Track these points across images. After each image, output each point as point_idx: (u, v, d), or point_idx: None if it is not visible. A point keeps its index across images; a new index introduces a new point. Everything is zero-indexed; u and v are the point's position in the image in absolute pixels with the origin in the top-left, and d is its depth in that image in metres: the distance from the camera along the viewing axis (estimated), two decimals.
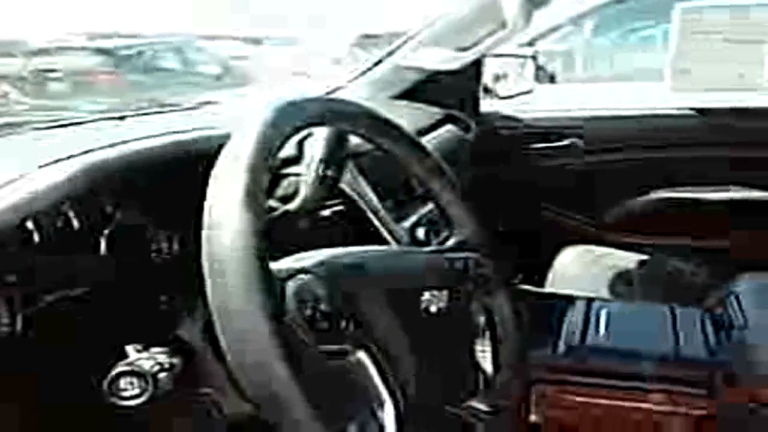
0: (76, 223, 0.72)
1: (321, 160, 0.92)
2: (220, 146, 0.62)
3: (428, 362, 0.69)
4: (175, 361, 0.69)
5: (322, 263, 0.64)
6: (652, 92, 1.93)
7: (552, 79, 3.37)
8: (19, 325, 0.65)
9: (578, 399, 1.14)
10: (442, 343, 0.73)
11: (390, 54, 1.56)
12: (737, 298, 1.20)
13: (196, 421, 0.75)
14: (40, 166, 0.73)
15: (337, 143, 0.92)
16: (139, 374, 0.65)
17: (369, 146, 0.83)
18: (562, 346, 1.19)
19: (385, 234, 1.01)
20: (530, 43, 2.37)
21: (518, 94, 1.83)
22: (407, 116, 1.36)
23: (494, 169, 1.86)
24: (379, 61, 1.57)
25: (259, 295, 0.53)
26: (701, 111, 1.82)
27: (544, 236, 1.94)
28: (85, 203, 0.73)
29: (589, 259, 1.72)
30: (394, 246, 0.98)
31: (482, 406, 0.80)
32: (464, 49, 1.44)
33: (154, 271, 0.81)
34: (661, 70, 1.85)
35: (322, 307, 0.60)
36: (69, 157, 0.76)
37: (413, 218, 1.11)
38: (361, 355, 0.63)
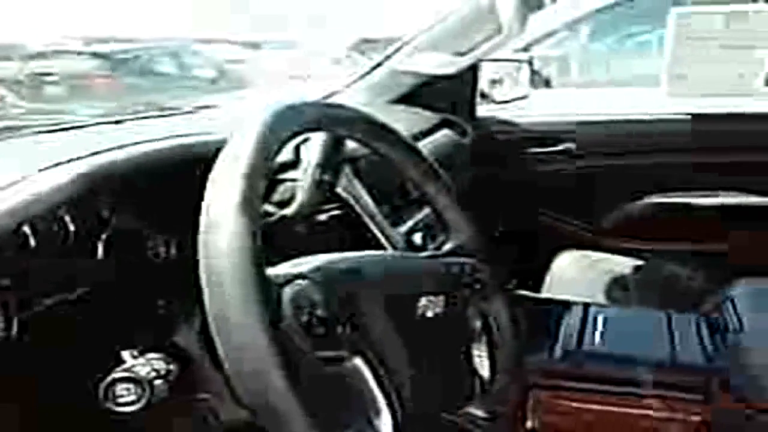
0: (72, 228, 0.71)
1: (317, 165, 0.92)
2: (218, 150, 0.61)
3: (425, 368, 0.69)
4: (171, 367, 0.68)
5: (318, 269, 0.64)
6: (648, 97, 1.93)
7: (548, 83, 3.38)
8: (14, 330, 0.65)
9: (575, 404, 1.14)
10: (438, 348, 0.73)
11: (387, 58, 1.56)
12: (733, 302, 1.20)
13: (192, 427, 0.74)
14: (38, 171, 0.73)
15: (334, 148, 0.92)
16: (136, 381, 0.65)
17: (365, 151, 0.83)
18: (558, 352, 1.19)
19: (382, 239, 1.01)
20: (526, 49, 2.37)
21: (514, 99, 1.83)
22: (404, 121, 1.36)
23: (490, 173, 1.86)
24: (377, 66, 1.57)
25: (256, 303, 0.53)
26: (697, 116, 1.82)
27: (541, 241, 1.95)
28: (82, 207, 0.73)
29: (586, 264, 1.72)
30: (390, 251, 0.98)
31: (479, 412, 0.80)
32: (461, 54, 1.44)
33: (151, 276, 0.81)
34: (656, 76, 1.85)
35: (319, 312, 0.60)
36: (66, 162, 0.76)
37: (409, 223, 1.11)
38: (358, 361, 0.63)
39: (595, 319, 1.27)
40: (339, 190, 0.99)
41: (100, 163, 0.78)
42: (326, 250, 0.71)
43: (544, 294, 1.62)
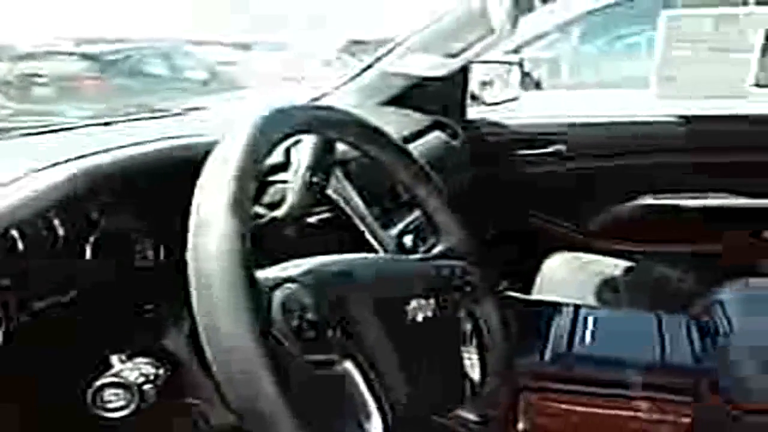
0: (61, 231, 0.71)
1: (308, 167, 0.92)
2: (207, 152, 0.61)
3: (415, 371, 0.69)
4: (160, 372, 0.68)
5: (308, 272, 0.64)
6: (637, 99, 1.94)
7: (538, 85, 3.39)
8: (2, 334, 0.64)
9: (565, 406, 1.14)
10: (429, 351, 0.73)
11: (377, 60, 1.56)
12: (723, 304, 1.20)
13: None
14: (26, 173, 0.72)
15: (324, 150, 0.91)
16: (124, 386, 0.64)
17: (356, 153, 0.82)
18: (549, 354, 1.19)
19: (372, 241, 1.01)
20: (516, 50, 2.37)
21: (504, 101, 1.84)
22: (394, 123, 1.36)
23: (481, 175, 1.86)
24: (367, 68, 1.57)
25: (245, 307, 0.53)
26: (687, 118, 1.83)
27: (531, 243, 1.95)
28: (70, 210, 0.72)
29: (576, 266, 1.72)
30: (381, 254, 0.98)
31: (470, 416, 0.80)
32: (451, 56, 1.44)
33: (140, 279, 0.80)
34: (646, 78, 1.86)
35: (309, 316, 0.59)
36: (54, 164, 0.75)
37: (400, 225, 1.10)
38: (348, 364, 0.63)
39: (585, 321, 1.28)
40: (330, 192, 0.99)
41: (89, 166, 0.77)
42: (317, 252, 0.71)
43: (535, 296, 1.62)
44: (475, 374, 0.82)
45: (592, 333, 1.24)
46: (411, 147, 1.32)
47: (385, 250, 1.01)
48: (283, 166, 0.95)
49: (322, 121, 0.75)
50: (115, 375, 0.65)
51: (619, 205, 1.92)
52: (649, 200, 1.90)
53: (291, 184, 0.93)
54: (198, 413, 0.72)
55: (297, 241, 0.99)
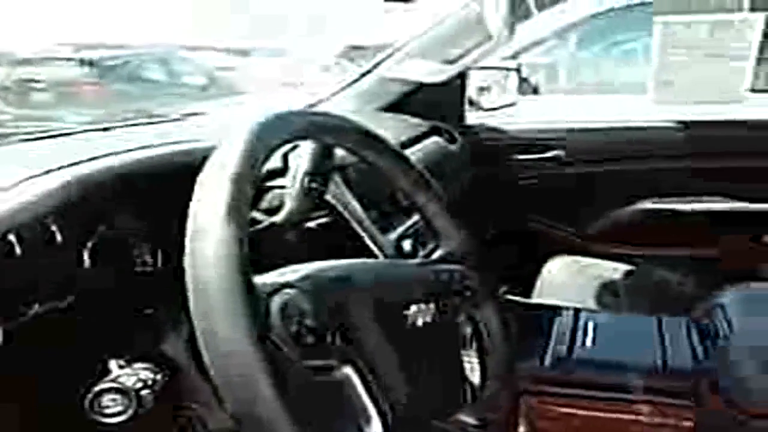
0: (59, 236, 0.71)
1: (306, 173, 0.91)
2: (205, 158, 0.61)
3: (415, 376, 0.69)
4: (158, 377, 0.68)
5: (306, 277, 0.64)
6: (635, 104, 1.94)
7: (536, 91, 3.40)
8: (0, 339, 0.64)
9: (566, 410, 1.14)
10: (429, 356, 0.73)
11: (376, 66, 1.56)
12: (723, 308, 1.20)
13: None
14: (24, 179, 0.72)
15: (323, 156, 0.91)
16: (122, 391, 0.64)
17: (354, 158, 0.82)
18: (549, 358, 1.19)
19: (371, 246, 1.01)
20: (514, 56, 2.38)
21: (502, 107, 1.84)
22: (393, 128, 1.36)
23: (479, 180, 1.86)
24: (366, 73, 1.57)
25: (243, 313, 0.53)
26: (684, 123, 1.84)
27: (530, 247, 1.95)
28: (68, 215, 0.72)
29: (576, 270, 1.72)
30: (380, 258, 0.98)
31: (470, 420, 0.80)
32: (449, 62, 1.44)
33: (138, 285, 0.80)
34: (642, 83, 1.87)
35: (308, 322, 0.59)
36: (53, 170, 0.75)
37: (399, 230, 1.10)
38: (348, 370, 0.62)
39: (585, 325, 1.28)
40: (328, 197, 0.99)
41: (87, 171, 0.77)
42: (315, 258, 0.71)
43: (535, 300, 1.62)
44: (475, 378, 0.82)
45: (593, 337, 1.24)
46: (409, 152, 1.33)
47: (385, 255, 1.00)
48: (282, 172, 0.95)
49: (320, 127, 0.75)
50: (112, 380, 0.65)
51: (619, 210, 1.92)
52: (648, 204, 1.90)
53: (289, 189, 0.93)
54: (196, 418, 0.72)
55: (295, 246, 0.99)
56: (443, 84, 1.48)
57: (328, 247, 0.88)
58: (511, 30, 1.34)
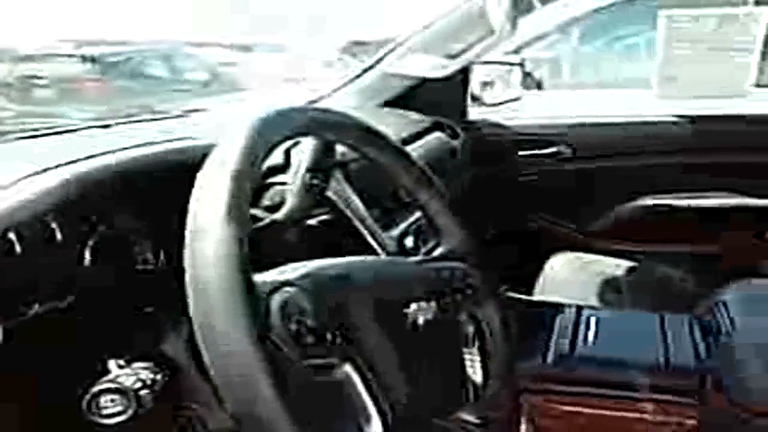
0: (59, 234, 0.70)
1: (308, 169, 0.91)
2: (206, 156, 0.61)
3: (416, 374, 0.68)
4: (158, 377, 0.67)
5: (307, 276, 0.63)
6: (638, 99, 1.93)
7: (539, 86, 3.38)
8: (0, 339, 0.64)
9: (568, 408, 1.14)
10: (430, 354, 0.72)
11: (378, 61, 1.55)
12: (726, 305, 1.20)
13: None
14: (24, 176, 0.72)
15: (324, 152, 0.91)
16: (121, 391, 0.63)
17: (356, 155, 0.82)
18: (551, 355, 1.19)
19: (373, 243, 1.01)
20: (517, 51, 2.37)
21: (505, 102, 1.83)
22: (395, 124, 1.36)
23: (482, 176, 1.86)
24: (368, 69, 1.56)
25: (243, 312, 0.52)
26: (688, 118, 1.83)
27: (532, 244, 1.94)
28: (69, 213, 0.72)
29: (578, 266, 1.72)
30: (381, 256, 0.97)
31: (472, 418, 0.80)
32: (452, 57, 1.44)
33: (139, 284, 0.80)
34: (646, 78, 1.86)
35: (308, 320, 0.59)
36: (53, 167, 0.75)
37: (401, 227, 1.10)
38: (348, 368, 0.62)
39: (587, 322, 1.27)
40: (329, 194, 0.98)
41: (88, 169, 0.77)
42: (316, 255, 0.70)
43: (537, 296, 1.61)
44: (476, 377, 0.82)
45: (595, 334, 1.24)
46: (411, 148, 1.32)
47: (386, 252, 1.00)
48: (283, 168, 0.95)
49: (321, 124, 0.75)
50: (112, 381, 0.64)
51: (622, 206, 1.92)
52: (651, 201, 1.90)
53: (290, 185, 0.92)
54: (196, 418, 0.71)
55: (296, 243, 0.99)
56: (446, 79, 1.48)
57: (329, 245, 0.87)
58: (514, 24, 1.34)
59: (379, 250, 1.00)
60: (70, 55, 7.91)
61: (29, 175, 0.73)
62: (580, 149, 1.87)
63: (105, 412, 0.63)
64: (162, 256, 0.81)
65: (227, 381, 0.53)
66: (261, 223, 0.92)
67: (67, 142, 1.01)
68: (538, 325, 1.26)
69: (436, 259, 0.82)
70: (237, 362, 0.52)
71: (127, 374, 0.65)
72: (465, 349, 0.81)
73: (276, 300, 0.58)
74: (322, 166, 0.92)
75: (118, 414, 0.63)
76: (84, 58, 7.75)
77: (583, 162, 1.88)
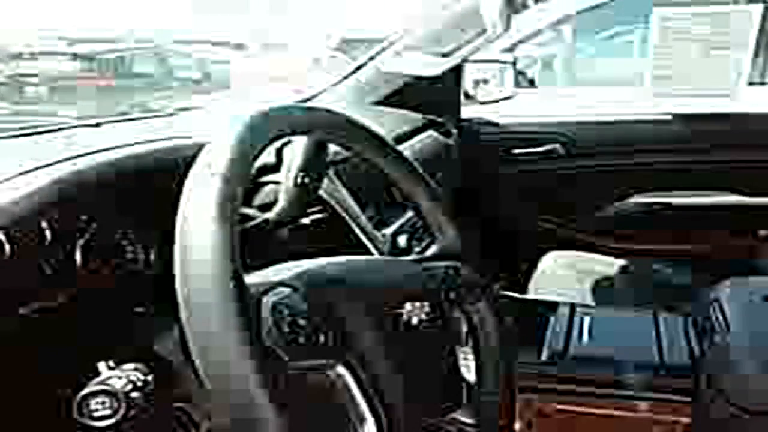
0: (50, 234, 0.70)
1: (300, 168, 0.90)
2: (195, 155, 0.60)
3: (410, 375, 0.68)
4: (149, 378, 0.67)
5: (300, 276, 0.63)
6: (632, 97, 1.93)
7: (532, 84, 3.38)
8: None
9: (562, 407, 1.14)
10: (424, 354, 0.72)
11: (371, 59, 1.55)
12: (720, 303, 1.20)
13: None
14: (13, 176, 0.71)
15: (316, 151, 0.90)
16: (111, 394, 0.63)
17: (348, 154, 0.81)
18: (545, 354, 1.18)
19: (366, 242, 1.00)
20: (510, 49, 2.37)
21: (498, 100, 1.83)
22: (388, 122, 1.35)
23: (475, 174, 1.85)
24: (360, 67, 1.56)
25: (234, 315, 0.52)
26: (682, 116, 1.83)
27: (527, 242, 1.94)
28: (59, 213, 0.71)
29: (572, 265, 1.72)
30: (374, 255, 0.97)
31: (467, 419, 0.79)
32: (445, 55, 1.43)
33: (131, 284, 0.79)
34: (640, 75, 1.86)
35: (300, 321, 0.58)
36: (44, 166, 0.74)
37: (394, 226, 1.09)
38: (341, 369, 0.62)
39: (581, 321, 1.27)
40: (322, 193, 0.97)
41: (79, 168, 0.76)
42: (309, 254, 0.70)
43: (531, 295, 1.61)
44: (471, 376, 0.81)
45: (589, 333, 1.23)
46: (405, 146, 1.32)
47: (380, 251, 0.99)
48: (275, 167, 0.94)
49: (313, 122, 0.74)
50: (101, 383, 0.64)
51: (615, 204, 1.92)
52: (645, 199, 1.90)
53: (283, 185, 0.92)
54: (189, 419, 0.71)
55: (289, 243, 0.98)
56: (439, 77, 1.47)
57: (322, 244, 0.87)
58: (507, 22, 1.33)
59: (373, 249, 1.00)
60: (62, 53, 7.90)
61: (19, 174, 0.72)
62: (574, 147, 1.87)
63: (95, 414, 0.62)
64: (154, 256, 0.81)
65: (219, 384, 0.52)
66: (253, 223, 0.91)
67: (58, 141, 1.00)
68: (531, 324, 1.26)
69: (429, 258, 0.81)
70: (228, 365, 0.51)
71: (118, 376, 0.64)
72: (459, 349, 0.81)
73: (268, 300, 0.58)
74: (314, 165, 0.91)
75: (108, 417, 0.62)
76: (75, 56, 7.72)
77: (576, 160, 1.88)
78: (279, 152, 0.94)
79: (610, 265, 1.72)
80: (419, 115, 1.59)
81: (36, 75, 7.36)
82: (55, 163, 0.75)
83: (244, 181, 0.59)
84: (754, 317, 1.15)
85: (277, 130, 0.66)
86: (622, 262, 1.73)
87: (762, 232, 1.82)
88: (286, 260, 0.67)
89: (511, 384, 0.85)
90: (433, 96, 1.63)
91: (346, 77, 1.56)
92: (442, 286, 0.77)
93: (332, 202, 0.99)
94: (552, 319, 1.28)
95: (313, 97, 1.53)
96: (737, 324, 1.13)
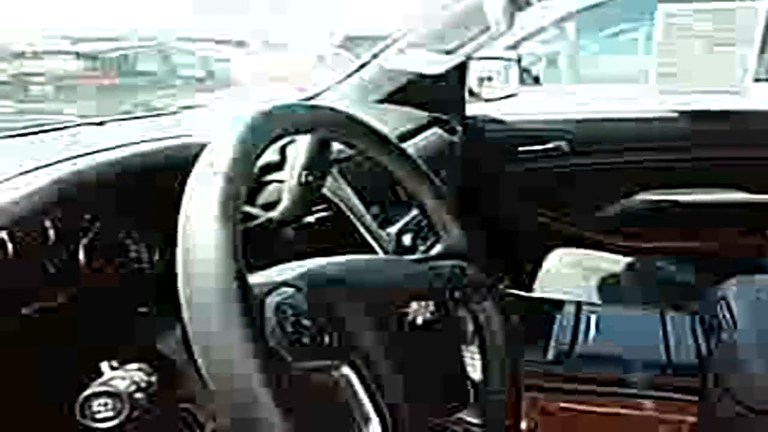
0: (53, 233, 0.69)
1: (304, 167, 0.90)
2: (198, 154, 0.59)
3: (416, 375, 0.67)
4: (152, 378, 0.66)
5: (303, 275, 0.62)
6: (637, 95, 1.93)
7: (537, 81, 3.37)
8: None
9: (568, 406, 1.13)
10: (429, 354, 0.71)
11: (375, 56, 1.54)
12: (727, 301, 1.19)
13: None
14: (16, 175, 0.71)
15: (320, 149, 0.90)
16: (114, 395, 0.62)
17: (352, 152, 0.81)
18: (551, 352, 1.18)
19: (371, 240, 0.99)
20: (514, 46, 2.36)
21: (503, 97, 1.82)
22: (392, 120, 1.34)
23: (480, 172, 1.85)
24: (364, 64, 1.55)
25: (237, 315, 0.51)
26: (687, 113, 1.82)
27: (532, 240, 1.94)
28: (62, 212, 0.70)
29: (578, 263, 1.71)
30: (379, 254, 0.96)
31: (473, 419, 0.79)
32: (449, 52, 1.43)
33: (134, 283, 0.79)
34: (644, 73, 1.85)
35: (305, 321, 0.58)
36: (47, 165, 0.74)
37: (399, 224, 1.09)
38: (346, 370, 0.61)
39: (587, 319, 1.26)
40: (326, 191, 0.97)
41: (82, 167, 0.76)
42: (313, 253, 0.69)
43: (537, 293, 1.61)
44: (476, 376, 0.81)
45: (595, 331, 1.23)
46: (409, 144, 1.31)
47: (384, 250, 0.99)
48: (279, 166, 0.94)
49: (316, 121, 0.73)
50: (104, 383, 0.63)
51: (621, 202, 1.91)
52: (650, 196, 1.89)
53: (286, 183, 0.91)
54: (192, 420, 0.70)
55: (293, 242, 0.98)
56: (443, 75, 1.47)
57: (327, 243, 0.86)
58: (511, 19, 1.33)
59: (377, 248, 0.99)
60: (66, 52, 7.91)
61: (21, 174, 0.72)
62: (579, 145, 1.87)
63: (97, 416, 0.62)
64: (157, 256, 0.80)
65: (221, 384, 0.52)
66: (257, 222, 0.91)
67: (61, 140, 1.00)
68: (537, 323, 1.25)
69: (434, 257, 0.81)
70: (231, 364, 0.51)
71: (121, 377, 0.64)
72: (464, 348, 0.80)
73: (272, 301, 0.57)
74: (318, 164, 0.91)
75: (111, 418, 0.61)
76: (79, 55, 7.74)
77: (581, 157, 1.87)
78: (283, 150, 0.94)
79: (616, 263, 1.71)
80: (423, 113, 1.58)
81: (42, 74, 7.38)
82: (56, 162, 0.75)
83: (247, 180, 0.58)
84: (762, 315, 1.15)
85: (279, 129, 0.65)
86: (628, 260, 1.73)
87: None
88: (290, 259, 0.67)
89: (517, 383, 0.84)
90: (437, 94, 1.63)
91: (349, 75, 1.55)
92: (447, 285, 0.76)
93: (336, 201, 0.99)
94: (558, 317, 1.27)
95: (317, 95, 1.52)
96: (745, 322, 1.12)
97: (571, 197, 1.94)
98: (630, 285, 1.64)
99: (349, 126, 0.76)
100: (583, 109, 1.93)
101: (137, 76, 7.98)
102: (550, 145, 1.87)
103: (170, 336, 0.69)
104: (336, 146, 0.92)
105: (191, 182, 0.57)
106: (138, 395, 0.63)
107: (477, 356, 0.82)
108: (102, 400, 0.61)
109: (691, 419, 1.10)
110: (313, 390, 0.59)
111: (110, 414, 0.61)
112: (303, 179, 0.90)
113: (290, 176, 0.90)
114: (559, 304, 1.32)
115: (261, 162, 0.64)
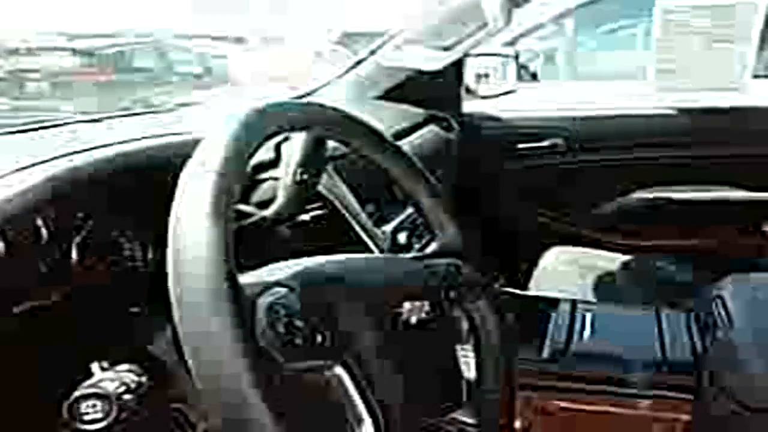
0: (45, 231, 0.69)
1: (299, 164, 0.89)
2: (193, 151, 0.59)
3: (409, 375, 0.67)
4: (142, 379, 0.66)
5: (296, 275, 0.62)
6: (635, 91, 1.92)
7: (534, 77, 3.37)
8: None
9: (564, 404, 1.13)
10: (423, 354, 0.71)
11: (372, 53, 1.54)
12: (723, 299, 1.19)
13: None
14: (9, 172, 0.70)
15: (315, 147, 0.89)
16: (102, 396, 0.62)
17: (348, 150, 0.80)
18: (546, 351, 1.17)
19: (366, 239, 0.99)
20: (512, 43, 2.35)
21: (500, 94, 1.81)
22: (389, 117, 1.34)
23: (476, 169, 1.84)
24: (361, 61, 1.55)
25: (228, 315, 0.51)
26: (685, 110, 1.82)
27: (528, 237, 1.93)
28: (55, 210, 0.70)
29: (574, 261, 1.71)
30: (374, 252, 0.96)
31: (467, 419, 0.78)
32: (446, 49, 1.42)
33: (126, 282, 0.78)
34: (643, 69, 1.85)
35: (297, 322, 0.57)
36: (41, 162, 0.73)
37: (395, 222, 1.09)
38: (339, 370, 0.61)
39: (583, 317, 1.26)
40: (321, 189, 0.96)
41: (76, 164, 0.75)
42: (308, 251, 0.69)
43: (532, 291, 1.60)
44: (471, 375, 0.80)
45: (591, 329, 1.22)
46: (405, 142, 1.31)
47: (379, 249, 0.98)
48: (273, 163, 0.93)
49: (311, 118, 0.73)
50: (93, 385, 0.63)
51: (617, 199, 1.91)
52: (647, 194, 1.89)
53: (281, 181, 0.91)
54: (184, 420, 0.70)
55: (287, 240, 0.97)
56: (440, 71, 1.46)
57: (321, 241, 0.86)
58: (509, 16, 1.32)
59: (372, 246, 0.98)
60: (62, 49, 7.89)
61: (14, 171, 0.71)
62: (576, 142, 1.86)
63: (85, 417, 0.61)
64: (150, 255, 0.80)
65: (211, 384, 0.51)
66: (251, 220, 0.90)
67: (56, 137, 0.99)
68: (533, 321, 1.25)
69: (429, 255, 0.81)
70: (220, 365, 0.50)
71: (110, 378, 0.64)
72: (459, 347, 0.80)
73: (264, 301, 0.57)
74: (313, 161, 0.90)
75: (99, 420, 0.61)
76: (77, 52, 7.72)
77: (579, 154, 1.87)
78: (278, 148, 0.93)
79: (612, 261, 1.71)
80: (420, 110, 1.57)
81: (37, 70, 7.36)
82: (51, 159, 0.74)
83: (240, 178, 0.58)
84: (758, 314, 1.14)
85: (273, 126, 0.65)
86: (624, 258, 1.72)
87: (766, 228, 1.81)
88: (285, 258, 0.66)
89: (512, 382, 0.84)
90: (434, 91, 1.62)
91: (346, 72, 1.55)
92: (442, 284, 0.76)
93: (331, 199, 0.98)
94: (553, 315, 1.27)
95: (313, 91, 1.51)
96: (740, 320, 1.12)
97: (568, 195, 1.93)
98: (627, 283, 1.63)
99: (344, 123, 0.76)
100: (581, 106, 1.93)
101: (134, 72, 7.96)
102: (547, 143, 1.86)
103: (161, 336, 0.69)
104: (331, 144, 0.92)
105: (183, 179, 0.56)
106: (127, 396, 0.63)
107: (471, 355, 0.82)
108: (90, 402, 0.61)
109: (686, 417, 1.09)
110: (305, 390, 0.59)
111: (98, 416, 0.61)
112: (298, 177, 0.89)
113: (285, 174, 0.90)
114: (554, 303, 1.31)
115: (255, 160, 0.64)
